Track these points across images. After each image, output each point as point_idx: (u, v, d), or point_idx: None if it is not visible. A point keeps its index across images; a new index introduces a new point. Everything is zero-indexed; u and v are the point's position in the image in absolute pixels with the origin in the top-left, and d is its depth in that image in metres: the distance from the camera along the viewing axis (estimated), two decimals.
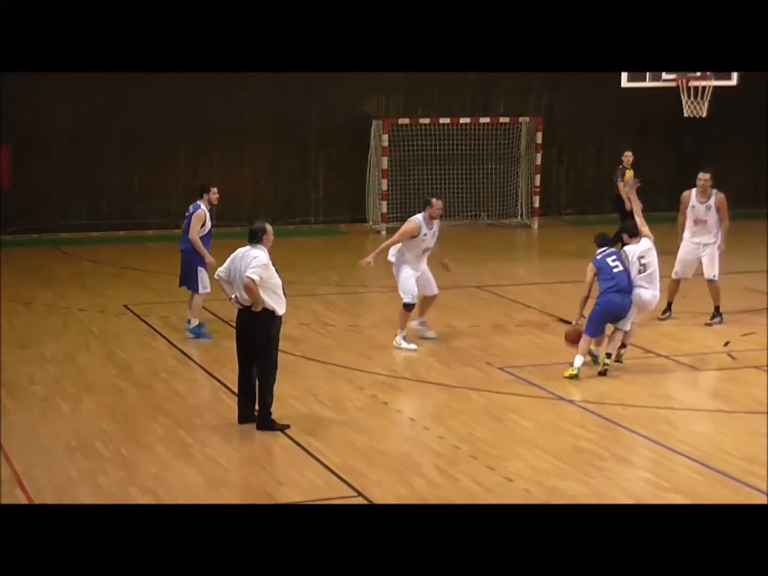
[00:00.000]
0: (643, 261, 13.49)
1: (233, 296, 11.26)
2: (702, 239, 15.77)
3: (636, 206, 14.52)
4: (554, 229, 24.37)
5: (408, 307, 14.37)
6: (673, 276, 15.88)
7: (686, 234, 15.84)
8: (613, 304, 13.19)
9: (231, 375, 12.66)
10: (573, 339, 13.40)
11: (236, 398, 11.66)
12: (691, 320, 15.90)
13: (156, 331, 15.17)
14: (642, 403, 12.31)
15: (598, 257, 13.38)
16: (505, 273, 19.63)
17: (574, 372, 13.03)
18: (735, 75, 18.59)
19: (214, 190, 14.74)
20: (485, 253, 21.40)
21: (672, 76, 18.36)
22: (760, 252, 20.57)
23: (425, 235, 14.35)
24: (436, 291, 14.80)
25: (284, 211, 23.57)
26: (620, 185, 20.64)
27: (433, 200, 14.48)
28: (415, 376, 13.34)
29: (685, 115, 18.63)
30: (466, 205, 24.45)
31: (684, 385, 13.33)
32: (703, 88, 18.31)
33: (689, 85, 18.33)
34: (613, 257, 13.36)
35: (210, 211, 14.84)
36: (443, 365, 13.68)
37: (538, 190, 24.54)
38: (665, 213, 25.30)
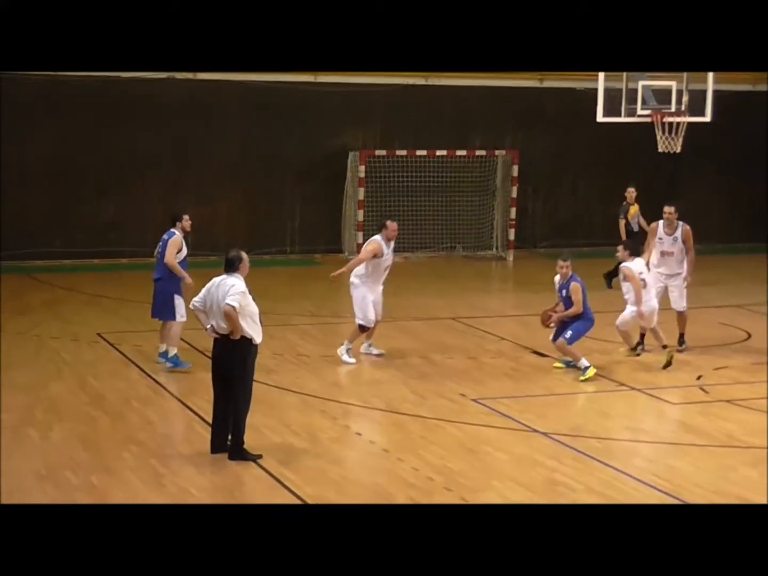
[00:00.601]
0: (642, 276, 15.21)
1: (209, 325, 11.23)
2: (668, 270, 16.10)
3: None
4: (529, 262, 24.43)
5: (363, 329, 15.24)
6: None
7: (653, 264, 16.11)
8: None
9: (204, 404, 12.62)
10: (544, 319, 15.23)
11: (209, 428, 11.60)
12: (664, 353, 15.92)
13: (129, 359, 15.09)
14: (616, 436, 12.32)
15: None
16: (480, 305, 19.65)
17: (592, 372, 14.35)
18: (709, 111, 18.69)
19: (186, 217, 14.84)
20: (460, 285, 21.42)
21: (647, 111, 18.44)
22: (734, 287, 20.70)
23: (386, 254, 15.19)
24: (380, 317, 15.55)
25: (260, 241, 23.59)
26: (621, 222, 20.75)
27: (388, 222, 15.39)
28: (389, 407, 13.31)
29: (660, 150, 18.71)
30: (442, 237, 24.52)
31: (657, 419, 13.34)
32: (678, 123, 18.40)
33: (664, 120, 18.41)
34: None
35: (185, 238, 14.84)
36: (417, 396, 13.66)
37: (513, 222, 24.63)
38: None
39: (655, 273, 16.07)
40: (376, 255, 15.07)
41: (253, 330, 11.16)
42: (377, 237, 15.23)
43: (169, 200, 22.99)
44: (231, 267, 11.27)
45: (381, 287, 15.40)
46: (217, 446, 11.35)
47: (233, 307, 10.89)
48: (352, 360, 15.19)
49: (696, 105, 18.52)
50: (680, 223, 16.15)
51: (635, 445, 11.94)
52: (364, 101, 23.75)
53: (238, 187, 23.58)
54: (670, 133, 18.34)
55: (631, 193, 21.10)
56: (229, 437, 11.28)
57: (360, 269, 15.18)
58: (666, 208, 16.19)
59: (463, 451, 11.70)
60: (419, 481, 10.74)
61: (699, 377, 14.75)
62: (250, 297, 11.18)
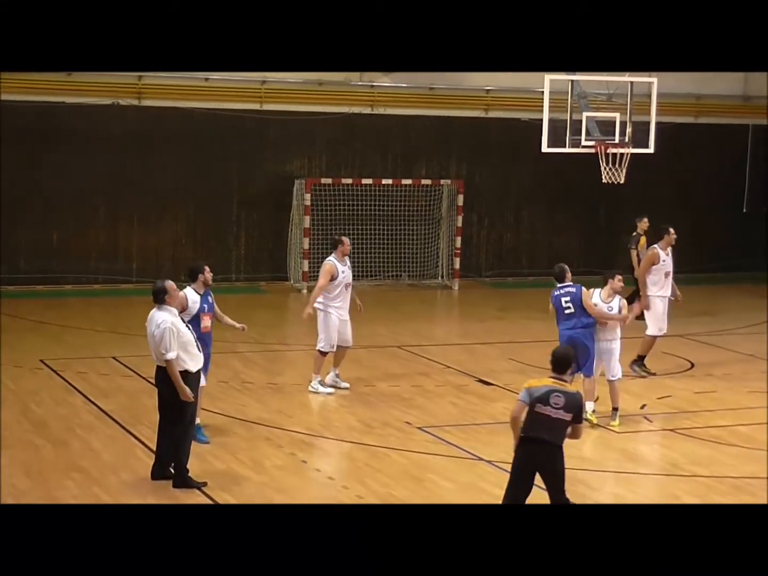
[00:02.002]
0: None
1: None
2: (670, 293, 16.61)
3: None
4: (474, 290, 24.53)
5: (323, 353, 14.99)
6: (660, 333, 16.57)
7: (655, 290, 16.44)
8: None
9: (147, 431, 12.55)
10: None
11: (153, 454, 11.53)
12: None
13: (72, 386, 14.95)
14: None
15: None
16: (426, 333, 19.68)
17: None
18: (652, 143, 18.94)
19: (207, 269, 12.78)
20: (406, 313, 21.46)
21: (591, 142, 18.66)
22: (675, 317, 20.90)
23: (343, 272, 15.04)
24: (350, 343, 15.32)
25: None
26: (632, 252, 20.59)
27: (343, 238, 15.37)
28: (335, 434, 13.29)
29: (604, 181, 18.94)
30: (388, 266, 24.55)
31: (601, 447, 13.39)
32: (621, 155, 18.63)
33: (608, 151, 18.65)
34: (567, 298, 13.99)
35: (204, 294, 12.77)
36: (363, 425, 13.64)
37: (458, 251, 24.71)
38: (582, 277, 25.82)
39: (659, 299, 16.47)
40: (333, 276, 14.95)
41: (187, 360, 11.13)
42: (330, 258, 15.11)
43: (114, 227, 22.94)
44: (157, 300, 11.19)
45: (347, 312, 15.11)
46: (158, 473, 11.30)
47: (169, 360, 10.89)
48: (329, 390, 15.00)
49: (639, 137, 18.78)
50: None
51: (579, 473, 11.97)
52: (309, 129, 23.78)
53: (184, 214, 23.49)
54: (614, 164, 18.58)
55: (644, 223, 20.99)
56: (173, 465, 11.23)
57: (323, 295, 14.99)
58: (671, 230, 16.63)
59: (408, 479, 11.70)
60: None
61: (643, 406, 14.86)
62: (182, 326, 11.12)
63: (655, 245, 16.73)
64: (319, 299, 14.99)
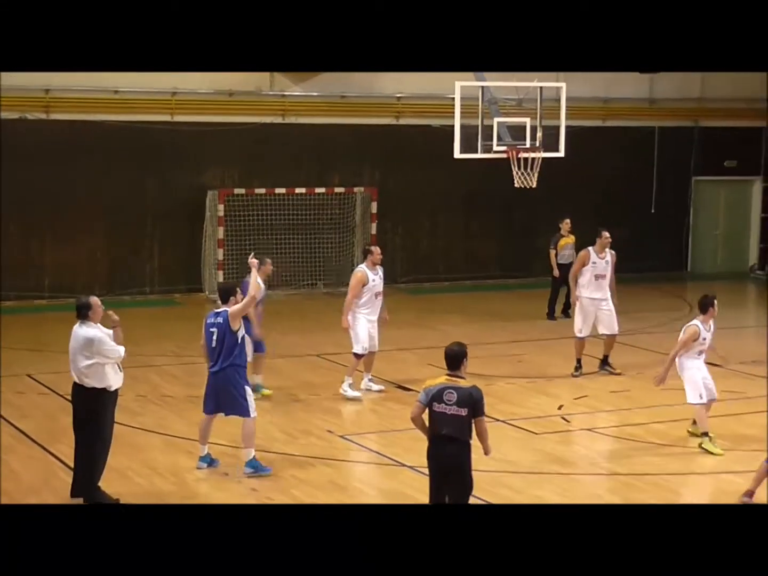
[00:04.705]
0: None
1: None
2: (602, 294, 16.75)
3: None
4: (390, 298, 24.32)
5: (358, 356, 15.43)
6: (584, 335, 16.79)
7: (584, 292, 16.67)
8: None
9: (67, 450, 12.39)
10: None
11: (72, 473, 11.43)
12: (526, 384, 16.24)
13: None
14: (482, 467, 12.36)
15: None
16: (344, 342, 19.58)
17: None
18: (562, 146, 19.16)
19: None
20: (323, 322, 21.41)
21: (503, 147, 18.82)
22: None
23: (374, 280, 15.53)
24: (377, 348, 15.74)
25: (120, 282, 23.32)
26: (551, 253, 21.12)
27: (373, 248, 15.95)
28: (257, 445, 13.19)
29: (516, 185, 19.11)
30: (303, 274, 24.54)
31: (522, 449, 13.50)
32: (533, 159, 18.82)
33: (519, 156, 18.82)
34: None
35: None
36: (285, 435, 13.63)
37: None
38: (498, 281, 26.11)
39: (587, 300, 16.62)
40: (364, 284, 15.33)
41: (113, 376, 11.06)
42: (361, 266, 15.60)
43: (26, 242, 22.62)
44: (80, 315, 11.11)
45: (376, 318, 15.58)
46: (77, 490, 11.18)
47: (122, 356, 11.04)
48: (358, 393, 15.34)
49: (550, 141, 18.99)
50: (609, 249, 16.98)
51: (501, 476, 12.09)
52: (221, 140, 23.68)
53: (97, 227, 23.25)
54: (525, 168, 18.75)
55: (566, 224, 21.43)
56: None
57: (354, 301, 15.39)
58: (605, 233, 16.93)
59: (333, 488, 11.71)
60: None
61: (560, 407, 15.04)
62: (111, 342, 11.04)
63: (590, 247, 16.98)
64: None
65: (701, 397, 12.98)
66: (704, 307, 13.03)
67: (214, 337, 11.93)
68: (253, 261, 12.55)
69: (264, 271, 14.53)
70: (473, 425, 9.51)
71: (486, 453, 9.85)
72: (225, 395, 12.00)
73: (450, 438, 9.43)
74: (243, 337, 12.07)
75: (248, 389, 12.10)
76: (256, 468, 12.01)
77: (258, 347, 15.13)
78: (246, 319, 13.25)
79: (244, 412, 12.00)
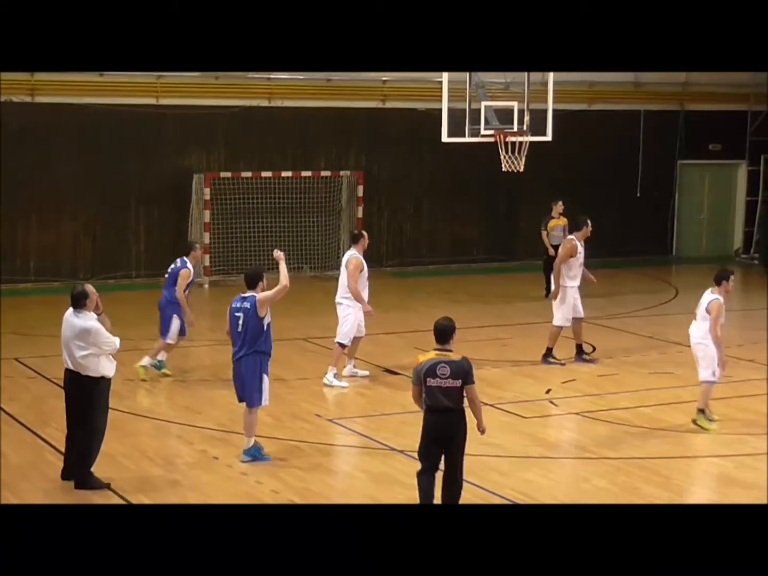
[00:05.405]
0: None
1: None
2: (578, 282, 16.75)
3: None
4: (376, 281, 24.23)
5: (343, 346, 15.29)
6: (567, 323, 16.61)
7: (568, 281, 16.54)
8: None
9: (56, 433, 12.40)
10: None
11: (62, 456, 11.42)
12: (512, 368, 16.28)
13: None
14: (471, 451, 12.39)
15: None
16: (331, 325, 19.55)
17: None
18: (550, 130, 19.18)
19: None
20: (310, 305, 21.42)
21: (490, 131, 18.83)
22: None
23: (365, 266, 15.31)
24: (363, 332, 15.64)
25: (105, 266, 23.28)
26: (543, 234, 21.27)
27: (364, 232, 15.85)
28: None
29: (504, 169, 19.13)
30: (289, 258, 24.34)
31: (510, 433, 13.51)
32: (520, 143, 18.83)
33: (507, 140, 18.83)
34: None
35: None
36: (273, 419, 13.62)
37: None
38: (482, 264, 26.15)
39: (572, 289, 16.58)
40: (360, 270, 15.16)
41: (108, 365, 11.04)
42: (354, 253, 15.25)
43: (12, 226, 22.55)
44: (78, 305, 11.00)
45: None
46: (68, 473, 11.18)
47: (117, 347, 10.99)
48: (344, 384, 15.17)
49: (537, 125, 19.01)
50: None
51: (490, 460, 12.12)
52: (207, 123, 23.64)
53: (82, 211, 23.20)
54: (513, 152, 18.77)
55: (558, 206, 21.50)
56: None
57: (345, 289, 15.23)
58: (589, 222, 16.82)
59: (322, 472, 11.74)
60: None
61: (548, 391, 15.08)
62: (107, 334, 10.99)
63: (572, 236, 16.85)
64: (345, 295, 15.23)
65: (713, 375, 13.21)
66: (719, 279, 13.19)
67: (240, 322, 11.79)
68: (279, 254, 12.55)
69: (194, 257, 15.52)
70: (464, 393, 9.94)
71: (480, 428, 10.17)
72: (241, 381, 11.93)
73: (449, 409, 9.88)
74: (269, 325, 11.95)
75: (266, 378, 11.98)
76: (254, 457, 11.98)
77: (182, 330, 15.47)
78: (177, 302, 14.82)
79: (252, 401, 11.91)
